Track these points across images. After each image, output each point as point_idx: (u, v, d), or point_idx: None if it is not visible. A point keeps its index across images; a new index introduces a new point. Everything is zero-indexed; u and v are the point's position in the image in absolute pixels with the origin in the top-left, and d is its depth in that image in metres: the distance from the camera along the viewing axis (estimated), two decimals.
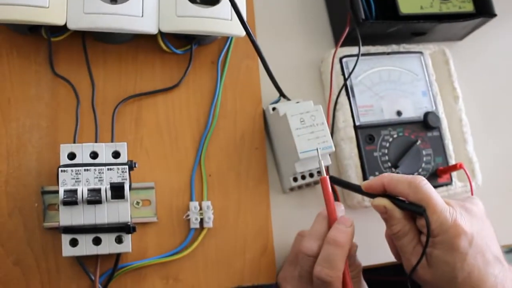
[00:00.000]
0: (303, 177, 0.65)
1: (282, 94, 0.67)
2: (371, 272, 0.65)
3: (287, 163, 0.65)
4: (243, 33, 0.62)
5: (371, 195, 0.57)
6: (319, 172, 0.66)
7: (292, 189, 0.67)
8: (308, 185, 0.67)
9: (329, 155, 0.63)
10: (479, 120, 0.77)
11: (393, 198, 0.55)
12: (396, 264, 0.60)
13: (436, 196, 0.52)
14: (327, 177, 0.55)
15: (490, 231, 0.54)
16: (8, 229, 0.57)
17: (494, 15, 0.73)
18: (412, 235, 0.54)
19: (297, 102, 0.65)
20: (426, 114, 0.71)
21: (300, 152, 0.60)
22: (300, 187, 0.67)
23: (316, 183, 0.67)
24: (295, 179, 0.65)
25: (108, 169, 0.55)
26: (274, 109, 0.66)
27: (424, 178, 0.53)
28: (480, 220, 0.54)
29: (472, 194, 0.64)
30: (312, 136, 0.61)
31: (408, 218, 0.54)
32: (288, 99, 0.67)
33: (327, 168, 0.67)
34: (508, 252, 0.84)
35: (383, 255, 0.62)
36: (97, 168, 0.54)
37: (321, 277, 0.51)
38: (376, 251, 0.65)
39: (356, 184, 0.60)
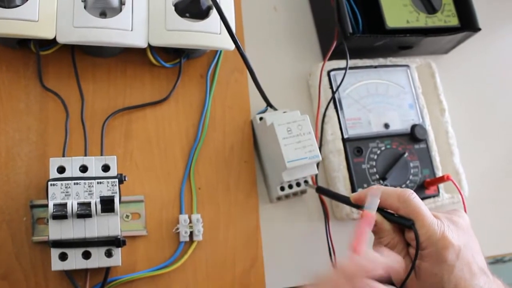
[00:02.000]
0: (290, 187, 0.66)
1: (269, 104, 0.67)
2: None
3: (274, 173, 0.65)
4: (232, 46, 0.63)
5: (360, 207, 0.57)
6: (306, 182, 0.66)
7: (279, 198, 0.67)
8: (295, 194, 0.68)
9: (317, 165, 0.64)
10: (465, 132, 0.78)
11: (382, 210, 0.55)
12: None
13: (424, 209, 0.53)
14: (374, 214, 0.51)
15: (475, 244, 0.55)
16: None
17: (479, 29, 0.74)
18: (401, 247, 0.55)
19: (284, 112, 0.66)
20: (413, 127, 0.72)
21: (287, 162, 0.60)
22: (287, 196, 0.67)
23: (303, 192, 0.68)
24: (282, 189, 0.66)
25: (98, 182, 0.54)
26: (261, 118, 0.67)
27: (413, 192, 0.54)
28: (467, 233, 0.55)
29: (464, 204, 0.65)
30: (299, 146, 0.61)
31: (397, 230, 0.55)
32: (275, 109, 0.68)
33: (315, 178, 0.68)
34: (494, 263, 0.84)
35: None
36: (86, 181, 0.54)
37: None
38: None
39: (345, 195, 0.60)
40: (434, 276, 0.52)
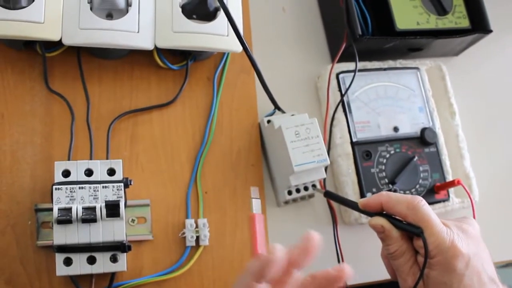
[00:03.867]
0: (298, 191, 0.65)
1: (277, 107, 0.66)
2: None
3: (282, 176, 0.64)
4: (240, 48, 0.62)
5: (368, 213, 0.56)
6: (314, 186, 0.66)
7: (286, 202, 0.66)
8: (302, 198, 0.67)
9: (325, 169, 0.63)
10: (475, 136, 0.77)
11: (390, 217, 0.54)
12: (391, 282, 0.60)
13: (434, 217, 0.52)
14: (256, 215, 0.53)
15: (485, 253, 0.55)
16: (1, 247, 0.56)
17: (490, 31, 0.73)
18: (409, 255, 0.54)
19: (292, 115, 0.65)
20: (423, 130, 0.71)
21: (295, 165, 0.60)
22: (295, 200, 0.67)
23: (310, 196, 0.67)
24: (289, 193, 0.65)
25: (103, 186, 0.54)
26: (269, 121, 0.66)
27: (422, 199, 0.53)
28: (476, 241, 0.54)
29: (473, 210, 0.64)
30: (307, 149, 0.60)
31: (405, 238, 0.54)
32: (283, 112, 0.67)
33: (323, 182, 0.67)
34: (504, 267, 0.84)
35: (379, 273, 0.62)
36: (92, 185, 0.54)
37: None
38: (371, 268, 0.64)
39: (353, 201, 0.59)
40: (443, 285, 0.51)
